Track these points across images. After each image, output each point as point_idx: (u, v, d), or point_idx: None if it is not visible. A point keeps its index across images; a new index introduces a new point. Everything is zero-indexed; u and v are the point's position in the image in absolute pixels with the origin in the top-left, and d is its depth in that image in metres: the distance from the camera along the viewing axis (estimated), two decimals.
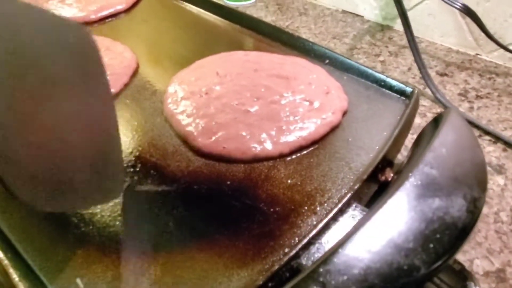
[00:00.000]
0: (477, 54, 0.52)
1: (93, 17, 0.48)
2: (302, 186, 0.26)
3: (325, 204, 0.25)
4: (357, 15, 0.63)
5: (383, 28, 0.59)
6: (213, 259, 0.22)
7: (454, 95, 0.45)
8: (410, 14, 0.55)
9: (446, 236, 0.16)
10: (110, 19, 0.48)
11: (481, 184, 0.18)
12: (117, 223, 0.25)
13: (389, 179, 0.27)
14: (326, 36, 0.58)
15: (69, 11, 0.48)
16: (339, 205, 0.23)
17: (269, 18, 0.63)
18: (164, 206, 0.25)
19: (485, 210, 0.32)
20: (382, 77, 0.35)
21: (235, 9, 0.47)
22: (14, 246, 0.24)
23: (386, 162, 0.28)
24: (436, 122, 0.23)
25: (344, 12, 0.64)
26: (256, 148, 0.28)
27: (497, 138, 0.39)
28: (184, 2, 0.50)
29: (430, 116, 0.42)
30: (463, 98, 0.45)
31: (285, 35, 0.41)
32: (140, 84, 0.37)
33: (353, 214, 0.23)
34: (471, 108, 0.43)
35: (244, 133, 0.29)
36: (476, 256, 0.29)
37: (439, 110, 0.43)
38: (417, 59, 0.45)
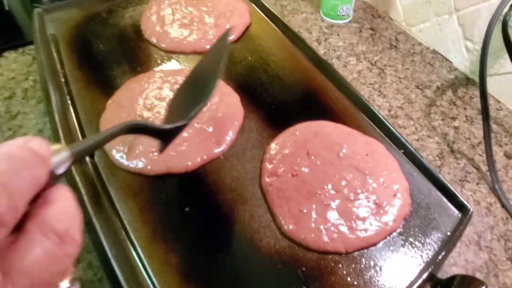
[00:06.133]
0: None
1: (207, 47, 0.55)
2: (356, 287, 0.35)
3: None
4: (446, 59, 0.65)
5: (468, 82, 0.61)
6: None
7: None
8: (498, 78, 0.57)
9: None
10: None
11: None
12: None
13: None
14: (410, 83, 0.61)
15: (191, 37, 0.55)
16: None
17: (360, 48, 0.66)
18: (253, 279, 0.35)
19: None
20: (447, 186, 0.41)
21: (333, 67, 0.52)
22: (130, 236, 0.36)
23: (428, 278, 0.36)
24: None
25: (434, 52, 0.66)
26: (328, 244, 0.37)
27: None
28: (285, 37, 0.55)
29: (483, 206, 0.48)
30: None
31: (371, 113, 0.47)
32: (243, 142, 0.45)
33: None
34: None
35: (321, 227, 0.37)
36: None
37: (493, 200, 0.48)
38: (486, 146, 0.49)
